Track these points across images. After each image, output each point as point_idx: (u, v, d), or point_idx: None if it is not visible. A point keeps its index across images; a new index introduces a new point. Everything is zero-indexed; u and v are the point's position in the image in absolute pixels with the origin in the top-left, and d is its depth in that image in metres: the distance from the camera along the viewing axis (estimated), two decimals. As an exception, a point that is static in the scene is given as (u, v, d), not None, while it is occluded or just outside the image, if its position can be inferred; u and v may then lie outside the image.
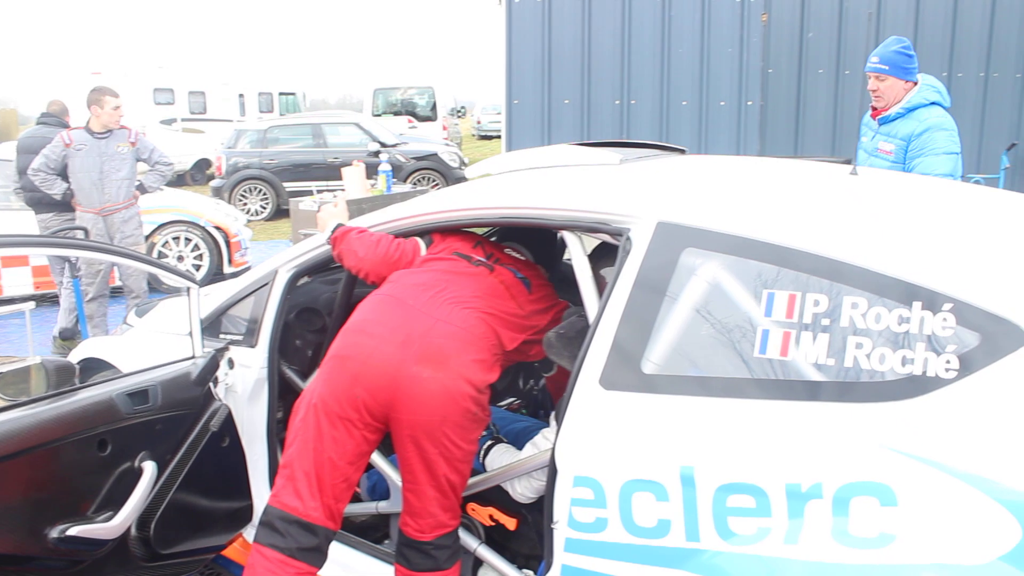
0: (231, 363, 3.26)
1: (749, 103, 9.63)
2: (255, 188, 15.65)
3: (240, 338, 3.34)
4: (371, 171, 9.30)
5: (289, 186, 15.29)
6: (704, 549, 2.01)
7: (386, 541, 3.15)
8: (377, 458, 2.96)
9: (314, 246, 3.18)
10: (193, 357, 3.15)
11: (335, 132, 16.47)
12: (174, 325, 3.53)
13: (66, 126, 7.72)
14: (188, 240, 9.62)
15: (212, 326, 3.42)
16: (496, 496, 2.79)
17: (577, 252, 2.55)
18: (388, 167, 9.07)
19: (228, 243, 9.74)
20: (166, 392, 2.91)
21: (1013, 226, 2.36)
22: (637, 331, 2.21)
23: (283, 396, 3.29)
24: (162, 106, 22.37)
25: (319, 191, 9.91)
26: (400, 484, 2.73)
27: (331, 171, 14.50)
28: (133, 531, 2.80)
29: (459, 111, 28.61)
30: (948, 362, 1.88)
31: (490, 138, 32.19)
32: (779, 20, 9.68)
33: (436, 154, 16.62)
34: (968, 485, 1.76)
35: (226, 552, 3.34)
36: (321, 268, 3.29)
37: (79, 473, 2.62)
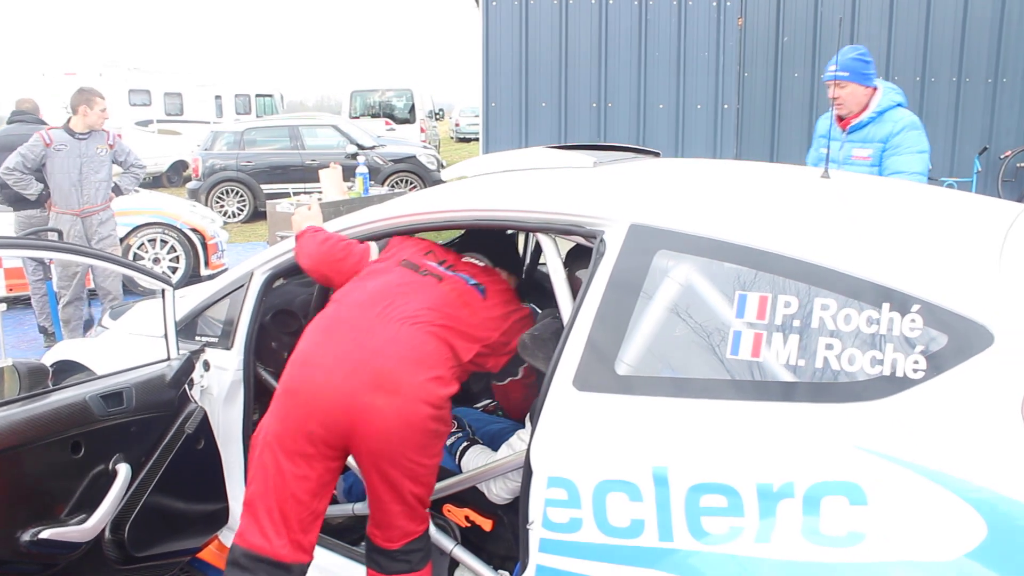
0: (207, 365, 3.25)
1: (726, 106, 9.70)
2: (232, 190, 15.57)
3: (216, 340, 3.33)
4: (348, 173, 9.30)
5: (266, 188, 15.22)
6: (677, 549, 2.02)
7: (362, 543, 3.15)
8: (352, 461, 2.96)
9: (289, 248, 3.18)
10: (168, 359, 3.14)
11: (312, 134, 16.41)
12: (149, 327, 3.51)
13: (43, 124, 7.66)
14: (164, 242, 9.56)
15: (187, 328, 3.41)
16: (472, 497, 2.80)
17: (551, 254, 2.56)
18: (365, 169, 9.06)
19: (205, 245, 9.69)
20: (140, 394, 2.90)
21: (982, 229, 2.39)
22: (611, 333, 2.23)
23: (259, 398, 3.28)
24: (138, 107, 22.19)
25: (296, 193, 9.90)
26: None
27: (308, 173, 14.46)
28: (107, 534, 2.78)
29: (437, 114, 28.55)
30: (917, 363, 1.91)
31: (468, 141, 32.19)
32: (755, 24, 9.76)
33: (414, 156, 16.59)
34: (936, 484, 1.79)
35: (202, 555, 3.33)
36: (297, 270, 3.29)
37: (52, 475, 2.60)
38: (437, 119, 28.43)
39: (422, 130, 22.84)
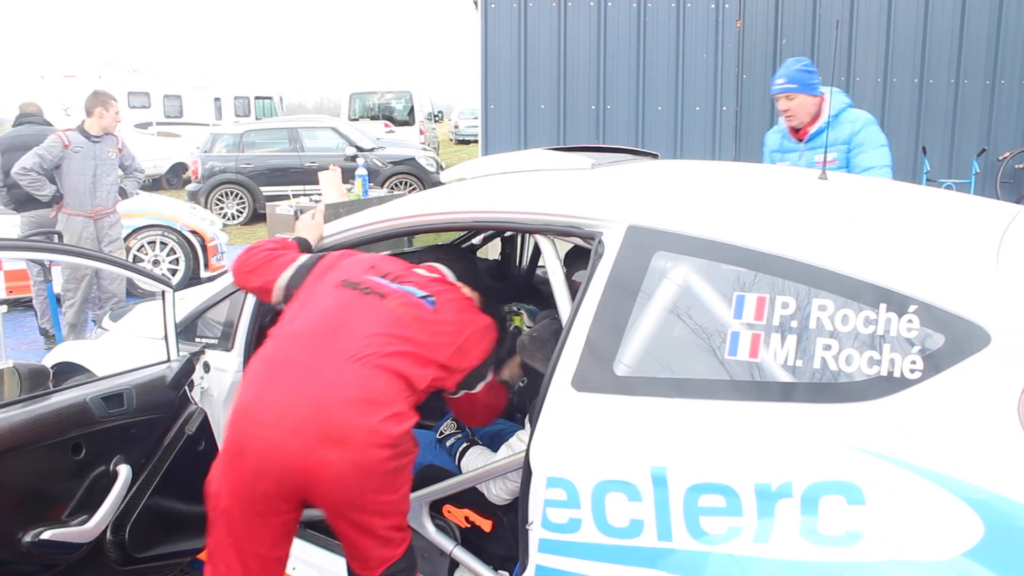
0: (207, 367, 3.26)
1: (724, 108, 9.70)
2: (231, 192, 15.58)
3: (216, 342, 3.34)
4: (348, 175, 9.29)
5: (266, 190, 15.23)
6: (676, 548, 2.03)
7: None
8: None
9: None
10: (168, 361, 3.15)
11: (312, 136, 16.43)
12: (149, 329, 3.52)
13: (49, 125, 7.70)
14: (164, 244, 9.57)
15: (187, 330, 3.41)
16: (472, 498, 2.80)
17: (550, 255, 2.57)
18: (365, 171, 9.06)
19: (204, 247, 9.70)
20: (141, 396, 2.91)
21: (979, 230, 2.40)
22: (609, 333, 2.24)
23: None
24: (137, 110, 22.21)
25: (295, 195, 9.90)
26: None
27: (308, 175, 14.46)
28: (108, 535, 2.79)
29: (436, 116, 28.56)
30: (914, 363, 1.92)
31: (467, 143, 32.20)
32: (753, 26, 9.77)
33: (413, 158, 16.60)
34: (933, 483, 1.80)
35: (202, 556, 3.34)
36: None
37: (53, 477, 2.61)
38: (436, 121, 28.44)
39: (421, 132, 22.85)
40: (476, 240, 4.58)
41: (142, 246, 9.45)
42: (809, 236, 2.18)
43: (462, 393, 2.72)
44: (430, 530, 2.78)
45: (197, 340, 3.39)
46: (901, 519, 1.81)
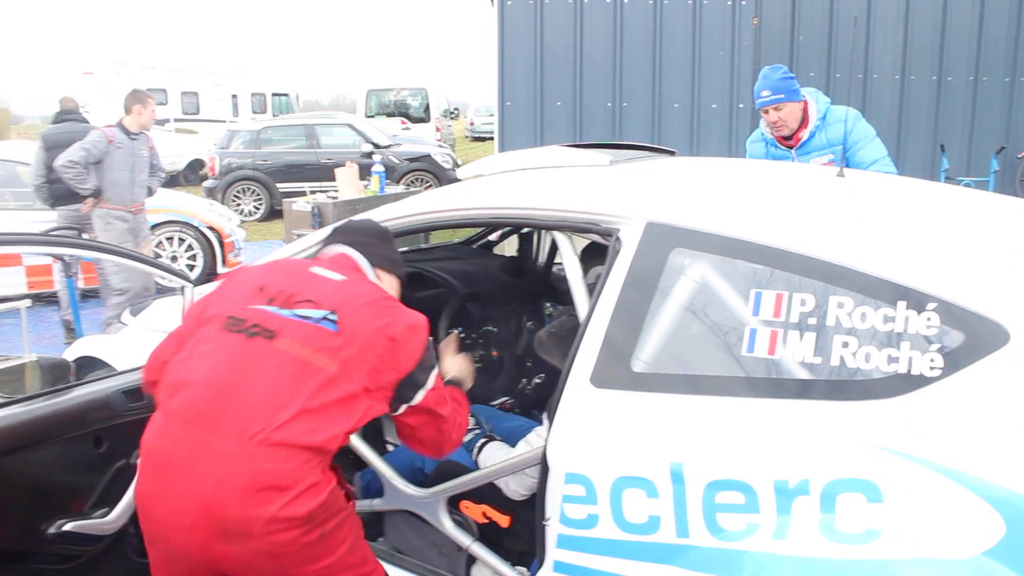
0: None
1: (741, 106, 9.67)
2: (248, 189, 15.64)
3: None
4: (364, 172, 9.32)
5: (282, 187, 15.28)
6: (694, 545, 2.03)
7: (380, 538, 3.17)
8: (372, 457, 2.98)
9: (306, 246, 3.20)
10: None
11: (328, 133, 16.48)
12: (169, 323, 3.54)
13: (87, 122, 7.84)
14: (182, 240, 9.63)
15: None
16: (489, 494, 2.81)
17: (567, 252, 2.58)
18: (382, 168, 9.10)
19: (222, 243, 9.75)
20: None
21: (998, 228, 2.39)
22: (627, 330, 2.24)
23: None
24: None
25: (312, 191, 9.93)
26: (395, 482, 2.75)
27: (324, 172, 14.51)
28: (130, 527, 2.82)
29: (452, 113, 28.62)
30: (933, 361, 1.91)
31: (483, 140, 32.19)
32: (770, 23, 9.73)
33: (429, 155, 16.63)
34: (953, 481, 1.79)
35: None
36: None
37: (75, 469, 2.64)
38: (452, 118, 28.49)
39: (437, 129, 22.87)
40: (493, 237, 4.59)
41: (160, 242, 9.50)
42: (827, 233, 2.18)
43: (403, 409, 2.34)
44: (447, 525, 2.78)
45: None
46: (920, 517, 1.81)
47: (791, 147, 4.56)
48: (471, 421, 3.06)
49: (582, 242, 2.79)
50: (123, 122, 7.13)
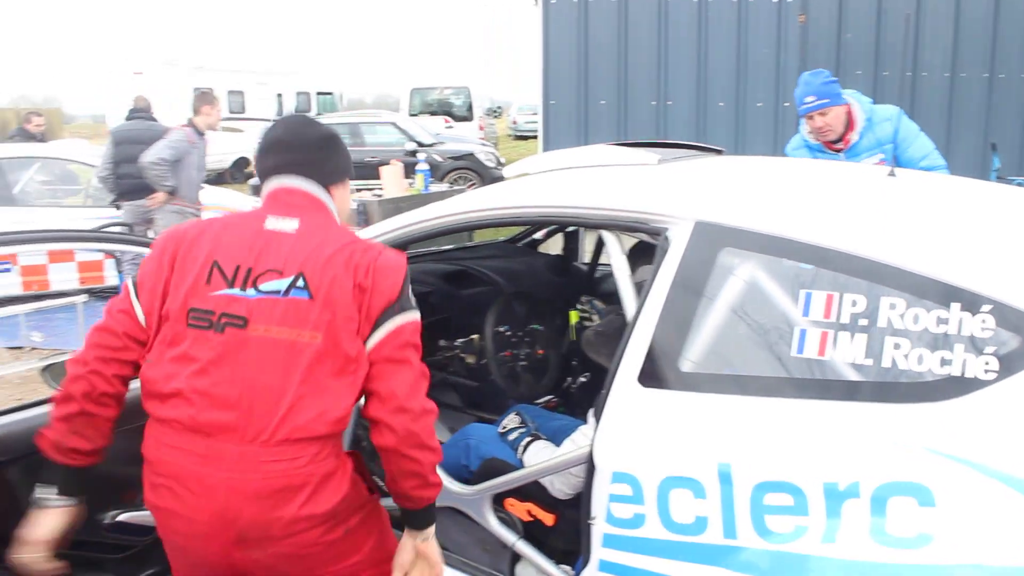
0: None
1: (786, 104, 9.60)
2: (293, 187, 15.75)
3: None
4: (408, 170, 9.38)
5: (327, 185, 15.37)
6: (741, 546, 2.02)
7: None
8: None
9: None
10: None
11: (372, 131, 16.61)
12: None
13: (154, 120, 8.25)
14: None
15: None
16: (534, 492, 2.82)
17: (615, 251, 2.57)
18: (427, 166, 9.15)
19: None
20: None
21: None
22: (675, 329, 2.23)
23: None
24: (202, 106, 22.61)
25: (357, 189, 9.99)
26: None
27: (368, 170, 14.59)
28: None
29: (495, 111, 28.70)
30: (987, 363, 1.88)
31: (526, 138, 32.18)
32: (817, 21, 9.65)
33: (472, 154, 16.69)
34: (1007, 486, 1.76)
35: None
36: None
37: (128, 461, 2.68)
38: (495, 116, 28.54)
39: (480, 127, 22.94)
40: (538, 235, 4.60)
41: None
42: (879, 233, 2.15)
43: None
44: (492, 523, 2.80)
45: None
46: (974, 522, 1.78)
47: (839, 151, 4.51)
48: (516, 419, 3.08)
49: (629, 241, 2.79)
50: (194, 122, 7.50)
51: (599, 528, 2.23)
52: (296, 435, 1.96)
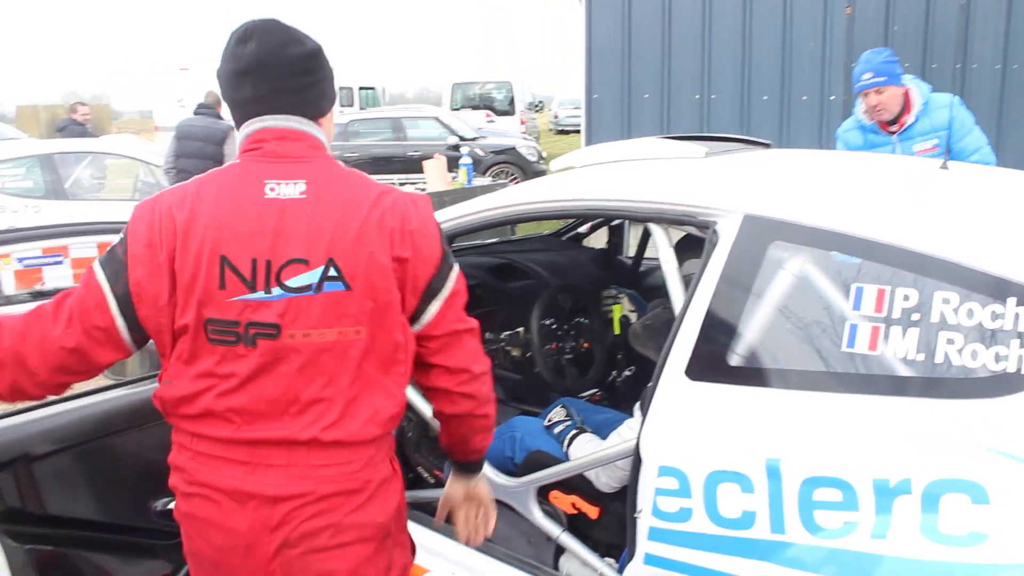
0: None
1: (832, 98, 9.51)
2: (336, 181, 15.89)
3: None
4: (451, 164, 9.42)
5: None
6: (790, 542, 2.01)
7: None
8: None
9: None
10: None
11: (415, 126, 16.69)
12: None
13: (219, 117, 8.33)
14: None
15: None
16: (579, 485, 2.82)
17: (663, 244, 2.56)
18: (470, 160, 9.18)
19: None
20: None
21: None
22: (724, 323, 2.22)
23: None
24: (246, 101, 22.86)
25: (401, 183, 10.07)
26: (485, 471, 2.78)
27: (411, 164, 14.68)
28: None
29: (537, 106, 28.67)
30: (1044, 359, 1.86)
31: (567, 132, 32.13)
32: (863, 13, 9.52)
33: (514, 148, 16.70)
34: (1063, 485, 1.74)
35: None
36: None
37: None
38: (537, 111, 28.51)
39: (522, 122, 22.93)
40: (583, 229, 4.59)
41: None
42: (932, 226, 2.12)
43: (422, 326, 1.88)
44: (537, 515, 2.80)
45: None
46: (1029, 521, 1.76)
47: (893, 133, 4.47)
48: (562, 413, 3.08)
49: (676, 234, 2.78)
50: None
51: (645, 521, 2.22)
52: (350, 439, 1.79)
